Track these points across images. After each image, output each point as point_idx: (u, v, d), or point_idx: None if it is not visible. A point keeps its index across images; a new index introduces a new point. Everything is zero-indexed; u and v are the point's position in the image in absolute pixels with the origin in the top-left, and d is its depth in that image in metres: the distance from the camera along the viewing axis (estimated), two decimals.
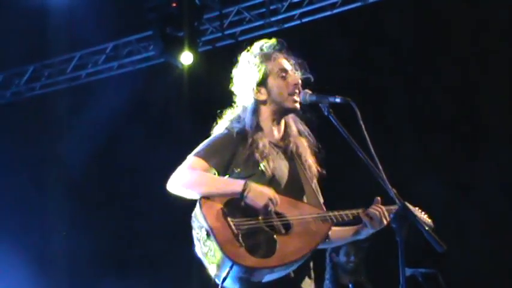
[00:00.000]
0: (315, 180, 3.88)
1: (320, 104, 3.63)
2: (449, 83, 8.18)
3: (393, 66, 8.39)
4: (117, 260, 9.60)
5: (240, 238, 3.43)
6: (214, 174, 3.72)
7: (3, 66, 10.32)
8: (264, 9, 8.84)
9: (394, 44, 8.36)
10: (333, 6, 8.52)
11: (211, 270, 3.50)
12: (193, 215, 3.60)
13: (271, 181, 3.69)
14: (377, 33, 8.42)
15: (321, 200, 3.82)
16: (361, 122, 3.39)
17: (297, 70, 3.86)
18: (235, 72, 3.90)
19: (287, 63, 3.85)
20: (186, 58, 8.68)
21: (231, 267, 3.38)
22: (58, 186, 10.07)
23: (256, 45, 3.90)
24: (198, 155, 3.72)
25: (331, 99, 3.59)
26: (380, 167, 3.33)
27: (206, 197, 3.58)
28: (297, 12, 8.71)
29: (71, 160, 10.02)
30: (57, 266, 9.79)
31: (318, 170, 3.90)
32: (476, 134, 8.10)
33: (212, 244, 3.44)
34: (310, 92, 3.75)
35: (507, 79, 7.83)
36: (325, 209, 3.76)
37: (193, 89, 9.04)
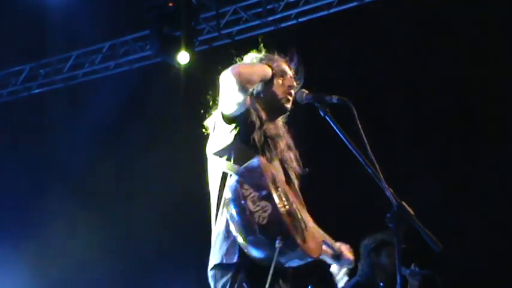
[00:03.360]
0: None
1: (316, 104, 3.60)
2: (448, 82, 8.18)
3: (390, 66, 8.39)
4: (117, 259, 9.58)
5: (287, 213, 3.39)
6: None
7: None
8: (260, 9, 8.84)
9: (391, 43, 8.36)
10: (329, 5, 8.51)
11: (249, 229, 3.33)
12: (241, 168, 3.50)
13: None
14: (374, 33, 8.42)
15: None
16: (358, 122, 3.38)
17: (295, 80, 3.87)
18: None
19: (288, 70, 3.86)
20: (183, 58, 8.68)
21: (286, 237, 3.29)
22: (56, 186, 10.06)
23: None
24: None
25: (327, 99, 3.56)
26: (377, 167, 3.32)
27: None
28: (294, 11, 8.69)
29: (68, 159, 10.02)
30: (57, 267, 9.77)
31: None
32: (476, 134, 8.09)
33: (269, 206, 3.34)
34: (306, 91, 3.74)
35: (507, 79, 7.82)
36: None
37: (190, 88, 9.02)
